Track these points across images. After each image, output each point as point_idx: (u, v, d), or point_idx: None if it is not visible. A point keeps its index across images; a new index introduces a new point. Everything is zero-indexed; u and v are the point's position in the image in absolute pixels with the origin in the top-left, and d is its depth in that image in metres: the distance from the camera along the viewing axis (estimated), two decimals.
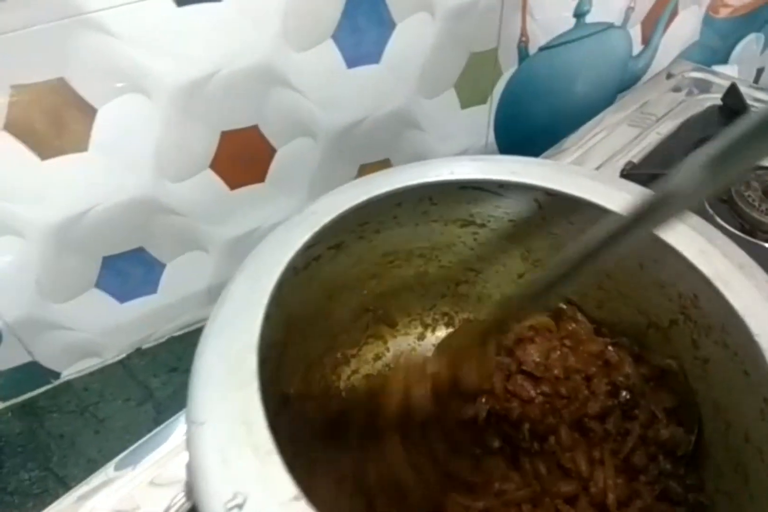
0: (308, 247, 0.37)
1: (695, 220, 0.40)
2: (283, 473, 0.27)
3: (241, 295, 0.34)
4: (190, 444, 0.29)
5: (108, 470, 0.49)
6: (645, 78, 0.92)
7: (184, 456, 0.48)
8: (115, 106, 0.54)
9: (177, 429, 0.51)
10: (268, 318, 0.33)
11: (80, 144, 0.54)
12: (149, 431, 0.52)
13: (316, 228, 0.37)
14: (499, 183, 0.42)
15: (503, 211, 0.45)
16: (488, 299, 0.53)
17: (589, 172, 0.43)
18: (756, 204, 0.66)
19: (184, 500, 0.42)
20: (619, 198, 0.40)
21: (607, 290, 0.46)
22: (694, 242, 0.38)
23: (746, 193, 0.67)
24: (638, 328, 0.45)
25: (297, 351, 0.42)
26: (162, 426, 0.52)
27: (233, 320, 0.33)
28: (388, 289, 0.51)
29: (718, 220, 0.65)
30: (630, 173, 0.68)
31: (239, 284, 0.35)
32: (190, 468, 0.28)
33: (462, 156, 0.48)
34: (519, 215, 0.45)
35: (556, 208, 0.43)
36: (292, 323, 0.38)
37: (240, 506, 0.26)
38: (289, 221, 0.38)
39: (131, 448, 0.50)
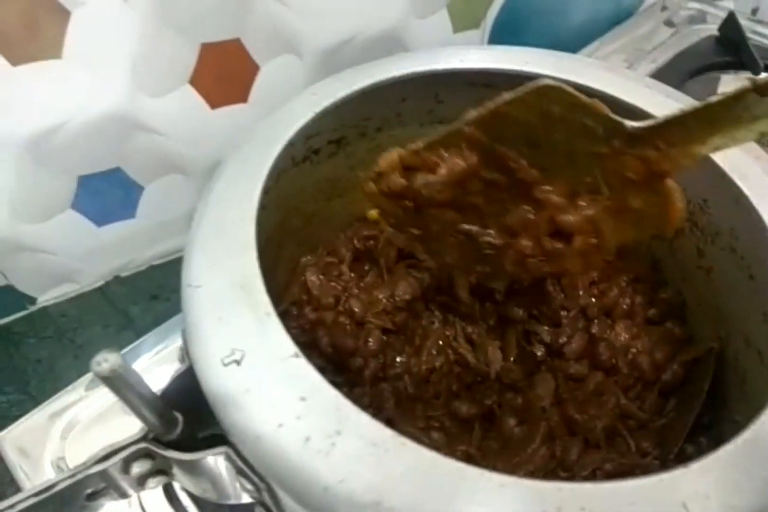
0: (308, 136, 0.36)
1: None
2: (282, 332, 0.27)
3: (239, 169, 0.34)
4: (185, 306, 0.29)
5: (79, 389, 0.48)
6: (639, 10, 0.89)
7: (158, 372, 0.47)
8: (89, 9, 0.51)
9: (151, 347, 0.50)
10: (264, 207, 0.32)
11: (54, 50, 0.51)
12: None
13: (317, 109, 0.36)
14: (512, 74, 0.40)
15: None
16: None
17: (607, 64, 0.41)
18: None
19: None
20: (637, 91, 0.38)
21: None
22: None
23: None
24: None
25: (289, 253, 0.41)
26: (135, 343, 0.51)
27: (231, 191, 0.33)
28: None
29: None
30: None
31: (237, 159, 0.35)
32: (186, 331, 0.28)
33: (471, 45, 0.46)
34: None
35: None
36: (287, 220, 0.36)
37: (238, 361, 0.26)
38: (287, 102, 0.37)
39: None
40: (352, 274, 0.44)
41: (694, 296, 0.43)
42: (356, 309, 0.41)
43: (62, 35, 0.51)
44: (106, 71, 0.55)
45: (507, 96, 0.31)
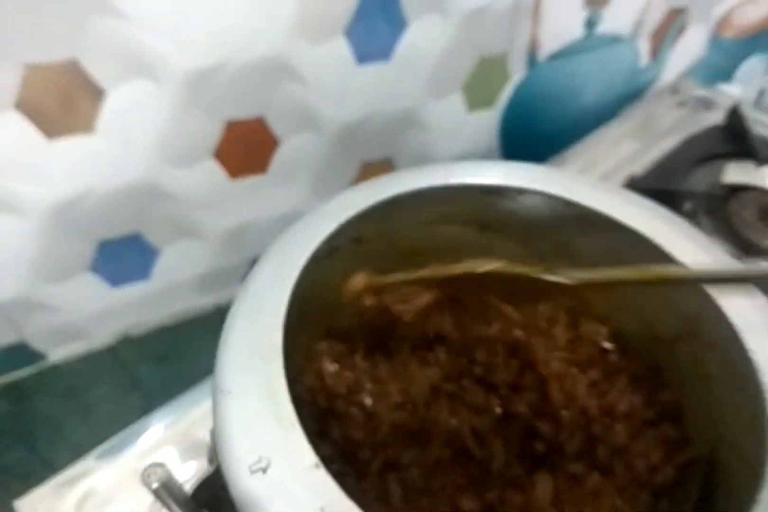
0: (331, 238, 0.38)
1: (697, 235, 0.40)
2: (304, 443, 0.29)
3: (269, 277, 0.36)
4: (216, 410, 0.30)
5: (90, 459, 0.49)
6: (650, 92, 0.93)
7: (167, 449, 0.48)
8: (124, 89, 0.54)
9: (163, 420, 0.51)
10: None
11: (87, 126, 0.54)
12: (137, 419, 0.52)
13: (341, 220, 0.39)
14: (520, 190, 0.43)
15: (519, 217, 0.45)
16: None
17: (609, 185, 0.44)
18: (751, 224, 0.67)
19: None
20: (634, 214, 0.41)
21: (615, 303, 0.46)
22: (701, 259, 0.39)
23: (742, 214, 0.68)
24: (644, 341, 0.46)
25: (305, 339, 0.43)
26: (146, 416, 0.51)
27: (261, 300, 0.35)
28: None
29: (715, 238, 0.66)
30: (632, 186, 0.68)
31: (268, 265, 0.37)
32: (216, 434, 0.30)
33: (484, 160, 0.49)
34: (534, 223, 0.45)
35: (571, 219, 0.43)
36: (304, 309, 0.38)
37: (264, 469, 0.28)
38: (315, 211, 0.40)
39: (115, 438, 0.50)
40: (366, 364, 0.45)
41: (690, 400, 0.43)
42: (367, 402, 0.43)
43: (96, 112, 0.54)
44: (135, 145, 0.57)
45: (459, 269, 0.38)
